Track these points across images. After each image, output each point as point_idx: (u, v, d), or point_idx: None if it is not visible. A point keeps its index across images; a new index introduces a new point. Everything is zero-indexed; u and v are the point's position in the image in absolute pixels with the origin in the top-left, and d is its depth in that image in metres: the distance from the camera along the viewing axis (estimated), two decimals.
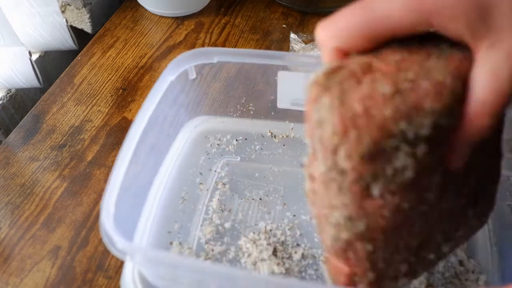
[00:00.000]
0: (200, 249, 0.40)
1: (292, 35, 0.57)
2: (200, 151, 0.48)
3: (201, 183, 0.45)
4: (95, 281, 0.40)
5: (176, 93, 0.45)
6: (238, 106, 0.50)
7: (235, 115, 0.50)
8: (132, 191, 0.37)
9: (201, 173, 0.46)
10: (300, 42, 0.57)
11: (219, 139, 0.49)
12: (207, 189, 0.44)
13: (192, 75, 0.45)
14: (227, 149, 0.48)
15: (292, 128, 0.49)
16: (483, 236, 0.40)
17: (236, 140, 0.49)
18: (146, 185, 0.43)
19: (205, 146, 0.48)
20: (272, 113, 0.49)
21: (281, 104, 0.48)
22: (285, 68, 0.45)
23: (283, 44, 0.62)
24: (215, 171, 0.46)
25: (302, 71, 0.44)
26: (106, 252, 0.41)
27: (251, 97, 0.50)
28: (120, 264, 0.41)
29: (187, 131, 0.49)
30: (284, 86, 0.46)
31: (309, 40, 0.59)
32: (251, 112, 0.50)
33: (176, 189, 0.44)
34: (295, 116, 0.49)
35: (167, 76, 0.43)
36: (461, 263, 0.38)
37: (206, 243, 0.40)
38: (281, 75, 0.45)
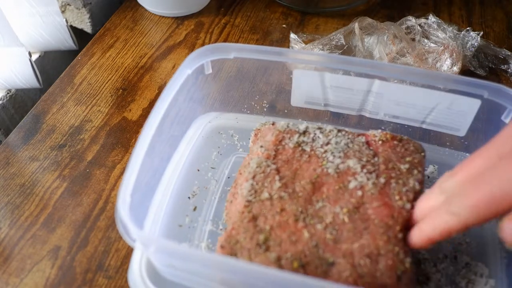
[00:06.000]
0: (210, 243, 0.40)
1: (292, 35, 0.57)
2: (212, 146, 0.48)
3: (212, 178, 0.45)
4: (95, 281, 0.40)
5: (192, 86, 0.45)
6: (252, 103, 0.50)
7: (248, 112, 0.50)
8: (145, 182, 0.38)
9: (212, 168, 0.46)
10: (300, 42, 0.57)
11: (232, 135, 0.49)
12: (219, 185, 0.45)
13: (208, 70, 0.45)
14: (239, 145, 0.48)
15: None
16: (492, 242, 0.40)
17: (249, 137, 0.49)
18: (158, 177, 0.43)
19: (218, 142, 0.48)
20: (286, 111, 0.50)
21: (295, 102, 0.48)
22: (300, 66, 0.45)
23: (283, 44, 0.63)
24: (227, 166, 0.46)
25: (317, 70, 0.45)
26: (106, 252, 0.41)
27: (265, 94, 0.50)
28: (120, 264, 0.41)
29: (201, 125, 0.49)
30: (299, 84, 0.46)
31: (309, 40, 0.59)
32: (265, 110, 0.50)
33: (187, 183, 0.45)
34: (309, 114, 0.50)
35: (185, 69, 0.43)
36: (469, 266, 0.38)
37: (217, 238, 0.40)
38: (296, 74, 0.45)
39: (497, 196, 0.26)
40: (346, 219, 0.34)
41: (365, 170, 0.37)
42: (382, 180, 0.36)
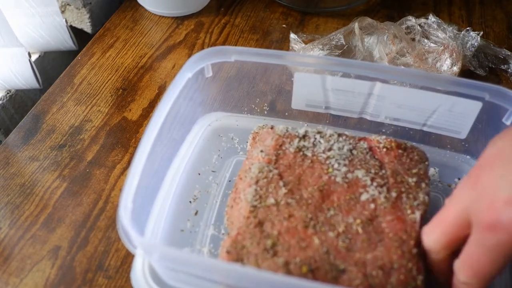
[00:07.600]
0: (212, 248, 0.40)
1: (292, 35, 0.57)
2: (213, 149, 0.48)
3: (213, 182, 0.45)
4: (95, 281, 0.40)
5: (192, 89, 0.45)
6: (253, 105, 0.50)
7: (249, 114, 0.50)
8: (146, 187, 0.38)
9: (213, 172, 0.46)
10: (300, 42, 0.57)
11: (232, 138, 0.49)
12: (220, 188, 0.44)
13: (209, 73, 0.45)
14: (240, 148, 0.48)
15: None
16: None
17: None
18: (159, 181, 0.43)
19: (218, 145, 0.48)
20: (286, 113, 0.50)
21: (296, 105, 0.48)
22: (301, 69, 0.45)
23: (283, 44, 0.63)
24: (228, 170, 0.46)
25: (318, 72, 0.45)
26: (106, 252, 0.41)
27: (265, 95, 0.50)
28: (120, 264, 0.41)
29: (201, 128, 0.49)
30: (300, 87, 0.46)
31: (309, 40, 0.59)
32: (265, 112, 0.50)
33: (188, 187, 0.44)
34: (309, 116, 0.50)
35: (185, 73, 0.43)
36: None
37: (219, 242, 0.40)
38: (298, 77, 0.45)
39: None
40: (360, 230, 0.34)
41: (375, 183, 0.37)
42: (393, 194, 0.36)
